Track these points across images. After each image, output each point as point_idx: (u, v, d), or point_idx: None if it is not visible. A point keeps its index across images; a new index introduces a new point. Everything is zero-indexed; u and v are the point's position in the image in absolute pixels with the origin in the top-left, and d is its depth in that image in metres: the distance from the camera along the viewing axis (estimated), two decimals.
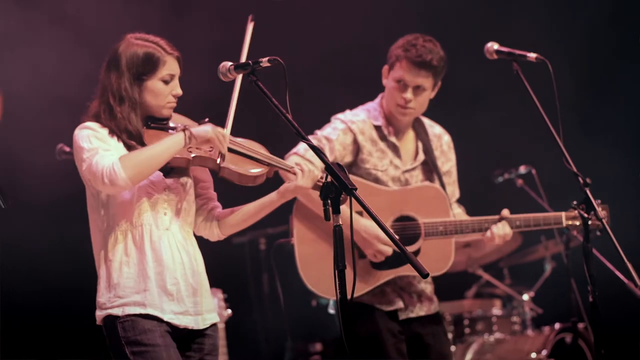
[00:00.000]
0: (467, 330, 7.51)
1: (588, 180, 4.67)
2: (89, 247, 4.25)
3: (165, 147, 4.06)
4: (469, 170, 5.64)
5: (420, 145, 5.55)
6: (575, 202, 5.02)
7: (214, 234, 4.42)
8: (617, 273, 5.54)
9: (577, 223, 5.24)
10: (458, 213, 5.58)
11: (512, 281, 7.91)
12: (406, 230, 5.31)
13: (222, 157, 4.12)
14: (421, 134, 5.56)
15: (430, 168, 5.54)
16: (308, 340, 7.83)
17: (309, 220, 5.33)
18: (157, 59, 4.20)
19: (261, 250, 7.70)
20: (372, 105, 5.53)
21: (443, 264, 5.38)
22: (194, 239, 4.33)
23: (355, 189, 3.79)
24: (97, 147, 4.08)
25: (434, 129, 5.64)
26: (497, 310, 7.66)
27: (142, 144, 4.18)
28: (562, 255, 6.72)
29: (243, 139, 4.32)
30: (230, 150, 4.24)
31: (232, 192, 4.41)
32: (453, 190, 5.64)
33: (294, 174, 4.25)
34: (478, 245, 5.61)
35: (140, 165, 4.02)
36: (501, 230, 5.32)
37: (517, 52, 4.95)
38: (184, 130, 4.05)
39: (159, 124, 4.27)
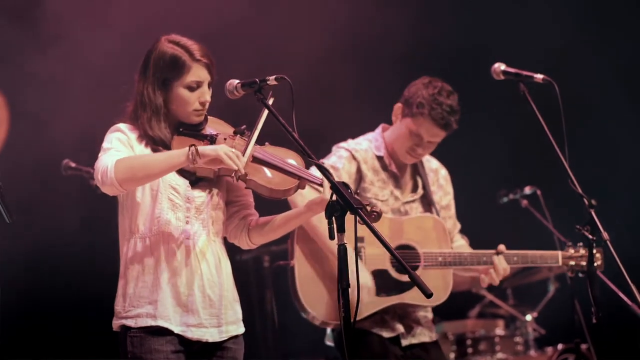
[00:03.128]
0: (469, 350, 7.49)
1: (593, 202, 4.67)
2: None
3: (163, 157, 4.00)
4: (474, 191, 5.64)
5: (419, 179, 5.57)
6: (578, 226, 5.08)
7: (244, 241, 4.34)
8: (621, 295, 5.52)
9: (572, 263, 5.37)
10: (461, 245, 5.60)
11: (515, 301, 7.90)
12: (405, 259, 5.26)
13: (237, 176, 3.97)
14: (418, 168, 5.59)
15: (429, 202, 5.55)
16: (311, 358, 7.81)
17: (310, 243, 5.32)
18: (182, 64, 4.15)
19: (265, 267, 7.68)
20: (374, 135, 5.55)
21: (442, 295, 5.36)
22: (220, 248, 4.26)
23: (361, 208, 3.79)
24: (111, 147, 4.08)
25: (431, 164, 5.66)
26: (500, 331, 7.65)
27: (169, 149, 4.14)
28: (566, 276, 6.71)
29: (278, 147, 4.24)
30: (258, 161, 4.17)
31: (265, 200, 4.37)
32: (454, 223, 5.66)
33: (321, 186, 4.15)
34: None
35: (132, 170, 3.97)
36: (501, 266, 5.34)
37: (524, 73, 4.95)
38: (191, 145, 3.94)
39: (190, 130, 4.22)
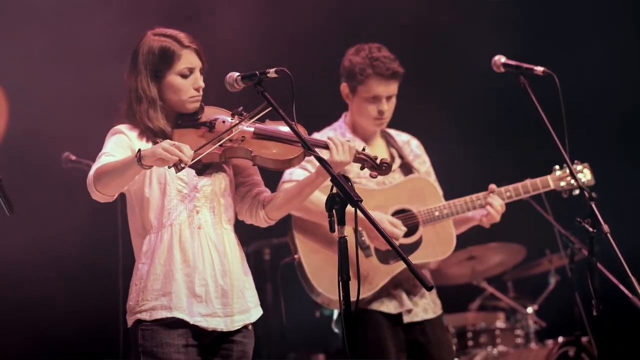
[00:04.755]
0: (470, 343, 7.50)
1: (594, 195, 4.67)
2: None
3: (120, 165, 3.98)
4: (475, 184, 5.64)
5: (393, 151, 5.67)
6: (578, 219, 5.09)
7: (261, 219, 4.34)
8: (621, 287, 5.52)
9: (563, 184, 5.49)
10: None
11: (516, 294, 7.90)
12: (405, 222, 5.40)
13: (176, 166, 3.89)
14: (391, 142, 5.70)
15: (409, 169, 5.65)
16: (311, 352, 7.83)
17: (310, 231, 5.40)
18: (172, 53, 4.18)
19: (265, 260, 7.69)
20: (338, 124, 5.67)
21: (448, 247, 5.50)
22: (231, 236, 4.27)
23: (361, 201, 3.79)
24: (104, 152, 4.10)
25: (401, 137, 5.78)
26: (500, 323, 7.65)
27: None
28: (567, 268, 6.71)
29: (278, 122, 4.24)
30: (260, 136, 4.20)
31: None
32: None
33: (326, 148, 4.19)
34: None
35: (104, 178, 3.98)
36: (497, 203, 5.45)
37: (524, 65, 4.95)
38: (138, 151, 3.92)
39: (188, 121, 4.24)
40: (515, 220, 5.54)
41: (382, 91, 5.46)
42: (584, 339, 6.87)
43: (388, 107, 5.51)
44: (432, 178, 5.73)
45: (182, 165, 3.87)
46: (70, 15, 7.07)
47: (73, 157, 6.46)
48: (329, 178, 3.92)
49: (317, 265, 5.36)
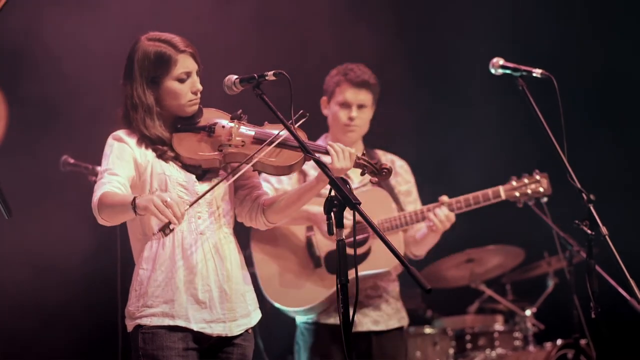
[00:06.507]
0: (469, 346, 7.50)
1: (592, 197, 4.67)
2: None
3: (119, 204, 3.94)
4: (471, 186, 5.65)
5: None
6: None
7: (261, 222, 4.35)
8: (620, 290, 5.53)
9: (517, 194, 5.60)
10: (420, 227, 5.70)
11: (514, 297, 7.89)
12: (358, 234, 5.47)
13: (163, 231, 3.86)
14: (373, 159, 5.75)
15: (385, 188, 5.71)
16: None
17: (264, 242, 5.56)
18: (168, 58, 4.16)
19: None
20: (319, 141, 5.75)
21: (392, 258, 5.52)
22: (231, 240, 4.27)
23: (359, 204, 3.79)
24: (106, 169, 4.08)
25: (387, 157, 5.90)
26: (499, 326, 7.65)
27: (170, 147, 4.18)
28: (565, 271, 6.71)
29: (277, 124, 4.22)
30: (260, 142, 4.18)
31: None
32: (415, 207, 5.80)
33: (326, 154, 4.20)
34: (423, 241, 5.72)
35: (106, 212, 3.98)
36: (441, 214, 5.50)
37: (523, 67, 4.95)
38: (133, 198, 3.88)
39: (187, 125, 4.24)
40: (513, 222, 5.53)
41: (351, 97, 5.64)
42: (583, 342, 6.87)
43: (358, 116, 5.65)
44: (412, 198, 5.84)
45: (171, 228, 3.86)
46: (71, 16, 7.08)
47: (72, 160, 6.45)
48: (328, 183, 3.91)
49: (268, 275, 5.54)
